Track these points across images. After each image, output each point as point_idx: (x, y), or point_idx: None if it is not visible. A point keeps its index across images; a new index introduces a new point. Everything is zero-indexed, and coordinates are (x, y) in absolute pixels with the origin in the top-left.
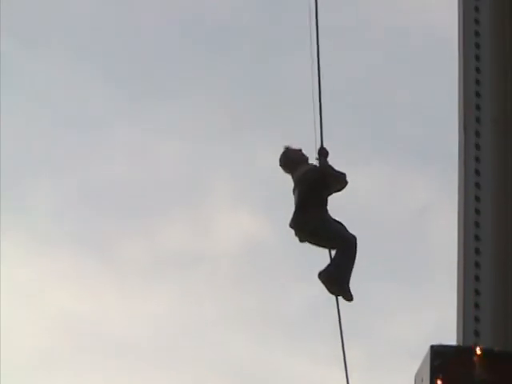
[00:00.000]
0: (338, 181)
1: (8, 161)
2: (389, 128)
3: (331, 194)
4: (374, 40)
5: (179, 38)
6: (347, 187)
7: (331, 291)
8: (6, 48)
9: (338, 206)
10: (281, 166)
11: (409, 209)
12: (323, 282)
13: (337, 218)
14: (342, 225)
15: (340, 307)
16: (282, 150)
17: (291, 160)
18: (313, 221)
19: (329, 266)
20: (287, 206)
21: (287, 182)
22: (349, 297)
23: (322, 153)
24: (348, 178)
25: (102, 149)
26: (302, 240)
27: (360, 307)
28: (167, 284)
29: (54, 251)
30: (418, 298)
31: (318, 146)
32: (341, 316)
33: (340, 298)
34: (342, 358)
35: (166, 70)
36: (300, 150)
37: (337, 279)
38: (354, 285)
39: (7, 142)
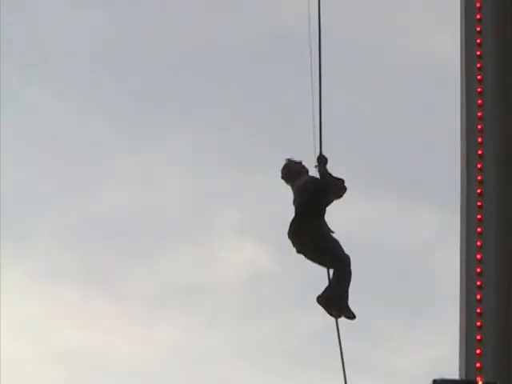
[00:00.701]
0: (337, 187)
1: (13, 191)
2: (396, 163)
3: (331, 202)
4: (381, 77)
5: (180, 75)
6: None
7: (331, 313)
8: (16, 82)
9: (345, 236)
10: (282, 178)
11: (414, 242)
12: (322, 305)
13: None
14: (339, 243)
15: (342, 337)
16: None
17: (292, 172)
18: (311, 231)
19: (326, 289)
20: (288, 241)
21: (290, 214)
22: (350, 315)
23: (321, 160)
24: (346, 185)
25: (107, 181)
26: (298, 251)
27: (362, 339)
28: (171, 315)
29: (58, 283)
30: (421, 330)
31: (318, 153)
32: (341, 341)
33: (343, 319)
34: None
35: (169, 104)
36: (300, 163)
37: (335, 301)
38: (358, 317)
39: (12, 172)
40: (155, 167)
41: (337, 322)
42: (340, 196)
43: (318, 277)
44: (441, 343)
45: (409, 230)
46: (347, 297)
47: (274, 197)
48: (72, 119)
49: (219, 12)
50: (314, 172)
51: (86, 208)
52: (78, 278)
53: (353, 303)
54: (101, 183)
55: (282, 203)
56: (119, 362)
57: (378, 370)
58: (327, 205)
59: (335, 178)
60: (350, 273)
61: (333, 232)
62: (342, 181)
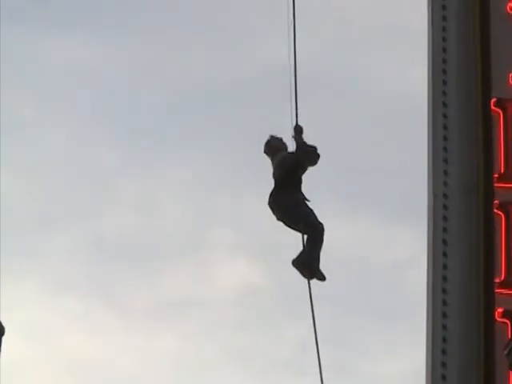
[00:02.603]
0: (312, 154)
1: (26, 214)
2: (377, 190)
3: (306, 170)
4: (359, 104)
5: (182, 103)
6: (331, 236)
7: (304, 275)
8: (31, 116)
9: (328, 255)
10: (264, 152)
11: (392, 260)
12: (297, 268)
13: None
14: (312, 211)
15: (326, 348)
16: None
17: (272, 146)
18: (288, 200)
19: (301, 253)
20: (280, 255)
21: (280, 234)
22: (321, 277)
23: (297, 130)
24: (318, 155)
25: (112, 204)
26: (278, 218)
27: (345, 349)
28: (170, 326)
29: (67, 297)
30: (398, 340)
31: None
32: (313, 305)
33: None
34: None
35: (168, 136)
36: (281, 139)
37: (308, 264)
38: (340, 330)
39: (27, 196)
40: (156, 192)
41: (309, 283)
42: (315, 163)
43: (304, 291)
44: (416, 352)
45: (387, 249)
46: (319, 261)
47: (264, 218)
48: (81, 150)
49: (213, 51)
50: (291, 143)
51: (92, 228)
52: (85, 292)
53: (334, 315)
54: (106, 206)
55: (271, 224)
56: (121, 370)
57: (359, 376)
58: (302, 173)
59: (310, 146)
60: (321, 240)
61: (308, 201)
62: (315, 148)
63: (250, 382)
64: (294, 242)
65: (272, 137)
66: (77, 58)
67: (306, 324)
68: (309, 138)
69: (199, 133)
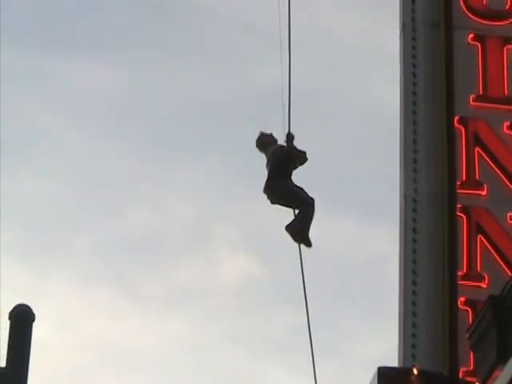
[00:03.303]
0: (300, 157)
1: (57, 214)
2: (357, 193)
3: (295, 168)
4: (344, 121)
5: (194, 116)
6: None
7: (295, 239)
8: (59, 129)
9: (316, 250)
10: (256, 147)
11: (370, 255)
12: (289, 232)
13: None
14: (303, 189)
15: (315, 332)
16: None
17: (264, 141)
18: (279, 184)
19: (293, 221)
20: (276, 252)
21: (277, 234)
22: (308, 243)
23: (289, 137)
24: (308, 156)
25: (130, 205)
26: (272, 202)
27: (332, 333)
28: (180, 312)
29: (90, 287)
30: (378, 324)
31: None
32: (303, 269)
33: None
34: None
35: (180, 143)
36: (271, 135)
37: (299, 230)
38: (328, 316)
39: (56, 198)
40: (168, 194)
41: (299, 247)
42: (303, 163)
43: (296, 283)
44: (392, 337)
45: (365, 245)
46: (308, 229)
47: (262, 219)
48: (103, 157)
49: (217, 71)
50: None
51: (112, 227)
52: (106, 283)
53: (319, 303)
54: (124, 207)
55: (269, 224)
56: (138, 349)
57: (345, 358)
58: (293, 169)
59: (299, 150)
60: (313, 211)
61: (298, 187)
62: (305, 153)
63: (248, 358)
64: (287, 240)
65: (262, 133)
66: (99, 77)
67: (298, 310)
68: (298, 143)
69: (205, 143)
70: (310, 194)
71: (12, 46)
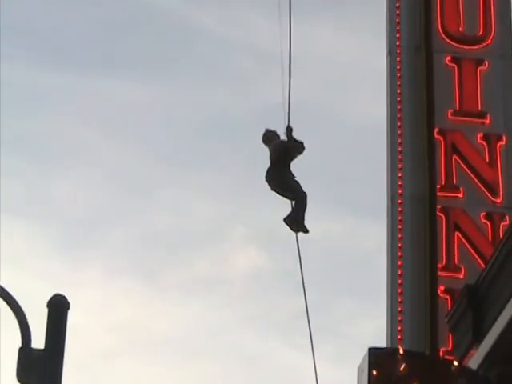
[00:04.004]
0: (299, 147)
1: (91, 215)
2: (348, 193)
3: (295, 157)
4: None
5: (210, 129)
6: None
7: (293, 228)
8: (95, 138)
9: (314, 244)
10: (262, 141)
11: (363, 249)
12: (287, 223)
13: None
14: (299, 183)
15: (315, 316)
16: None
17: (268, 137)
18: (280, 176)
19: (290, 213)
20: (281, 246)
21: (281, 230)
22: (305, 230)
23: (289, 129)
24: (306, 145)
25: (154, 204)
26: (272, 189)
27: (331, 317)
28: (197, 298)
29: (119, 277)
30: (370, 311)
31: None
32: (300, 253)
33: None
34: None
35: (199, 151)
36: (275, 131)
37: (295, 221)
38: (326, 300)
39: (91, 200)
40: (188, 196)
41: (296, 235)
42: (301, 152)
43: (299, 273)
44: (381, 321)
45: (358, 240)
46: (303, 219)
47: (269, 218)
48: (130, 163)
49: (228, 90)
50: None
51: (139, 224)
52: (133, 274)
53: (318, 291)
54: (150, 207)
55: (274, 222)
56: (160, 332)
57: (342, 339)
58: (292, 159)
59: (298, 141)
60: (305, 203)
61: (295, 177)
62: (303, 143)
63: (257, 338)
64: (290, 236)
65: (267, 130)
66: (128, 94)
67: (300, 297)
68: (304, 162)
69: (219, 153)
70: (310, 196)
71: (54, 66)
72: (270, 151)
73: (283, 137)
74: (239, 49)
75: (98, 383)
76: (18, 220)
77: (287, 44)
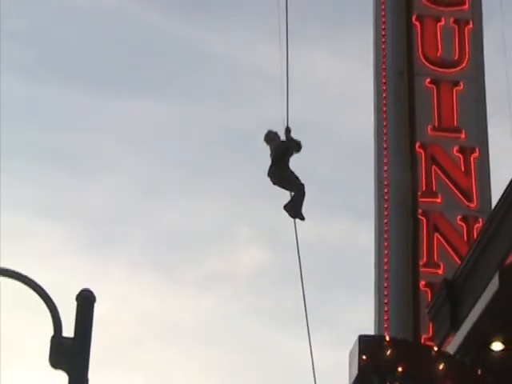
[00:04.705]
0: (296, 145)
1: (115, 216)
2: (346, 199)
3: (292, 154)
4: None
5: (219, 142)
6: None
7: (291, 215)
8: (116, 153)
9: (312, 244)
10: (264, 140)
11: (355, 248)
12: (286, 210)
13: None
14: (297, 177)
15: (314, 306)
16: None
17: (270, 137)
18: (280, 170)
19: (289, 202)
20: (283, 245)
21: (284, 230)
22: (302, 218)
23: (288, 129)
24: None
25: (168, 207)
26: (274, 183)
27: (328, 306)
28: (209, 292)
29: (140, 273)
30: (362, 302)
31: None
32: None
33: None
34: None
35: (210, 161)
36: (276, 132)
37: (294, 209)
38: (323, 294)
39: (115, 204)
40: (201, 200)
41: (295, 222)
42: (299, 150)
43: (298, 270)
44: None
45: (351, 240)
46: (301, 207)
47: (272, 220)
48: (149, 170)
49: (233, 107)
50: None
51: (158, 225)
52: (153, 270)
53: (315, 286)
54: (165, 210)
55: (277, 223)
56: (177, 322)
57: (339, 326)
58: (290, 156)
59: (295, 140)
60: (303, 194)
61: (293, 172)
62: (300, 142)
63: (262, 328)
64: (291, 235)
65: (269, 130)
66: (147, 111)
67: (299, 290)
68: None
69: (227, 162)
70: (310, 201)
71: (86, 90)
72: (271, 150)
73: (283, 137)
74: (246, 70)
75: (122, 368)
76: (51, 223)
77: (288, 66)
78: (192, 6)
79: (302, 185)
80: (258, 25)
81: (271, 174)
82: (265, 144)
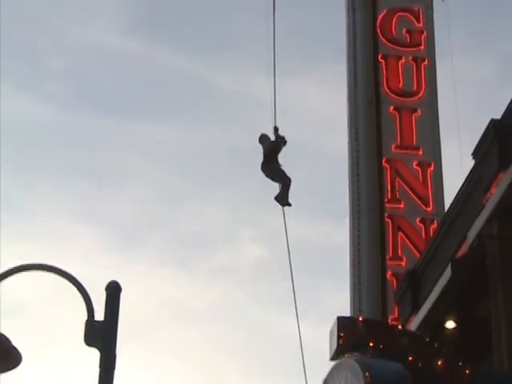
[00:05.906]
0: (282, 140)
1: (138, 221)
2: (331, 201)
3: (281, 149)
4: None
5: (224, 158)
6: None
7: (281, 203)
8: (129, 165)
9: (300, 243)
10: (259, 141)
11: (334, 244)
12: (276, 200)
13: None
14: (285, 172)
15: (302, 293)
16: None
17: (263, 139)
18: (270, 165)
19: (279, 193)
20: (279, 243)
21: (280, 231)
22: (289, 204)
23: (276, 128)
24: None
25: (184, 213)
26: (266, 176)
27: (313, 293)
28: (217, 282)
29: (160, 266)
30: (343, 288)
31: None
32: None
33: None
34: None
35: (217, 173)
36: (266, 135)
37: (283, 199)
38: (310, 282)
39: (139, 210)
40: (209, 205)
41: (283, 210)
42: (285, 144)
43: (294, 265)
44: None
45: (331, 238)
46: (287, 197)
47: (270, 222)
48: (164, 181)
49: (230, 130)
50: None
51: (174, 227)
52: (171, 264)
53: (304, 276)
54: (181, 214)
55: (274, 225)
56: (191, 308)
57: (323, 308)
58: (279, 152)
59: (281, 136)
60: (289, 186)
61: (281, 166)
62: (283, 137)
63: (263, 315)
64: (284, 235)
65: (262, 134)
66: (163, 133)
67: (290, 279)
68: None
69: (232, 173)
70: (299, 206)
71: (112, 115)
72: (264, 149)
73: (273, 138)
74: (246, 100)
75: (145, 344)
76: (87, 226)
77: (277, 94)
78: (203, 47)
79: (289, 179)
80: (257, 62)
81: (264, 169)
82: (259, 145)
